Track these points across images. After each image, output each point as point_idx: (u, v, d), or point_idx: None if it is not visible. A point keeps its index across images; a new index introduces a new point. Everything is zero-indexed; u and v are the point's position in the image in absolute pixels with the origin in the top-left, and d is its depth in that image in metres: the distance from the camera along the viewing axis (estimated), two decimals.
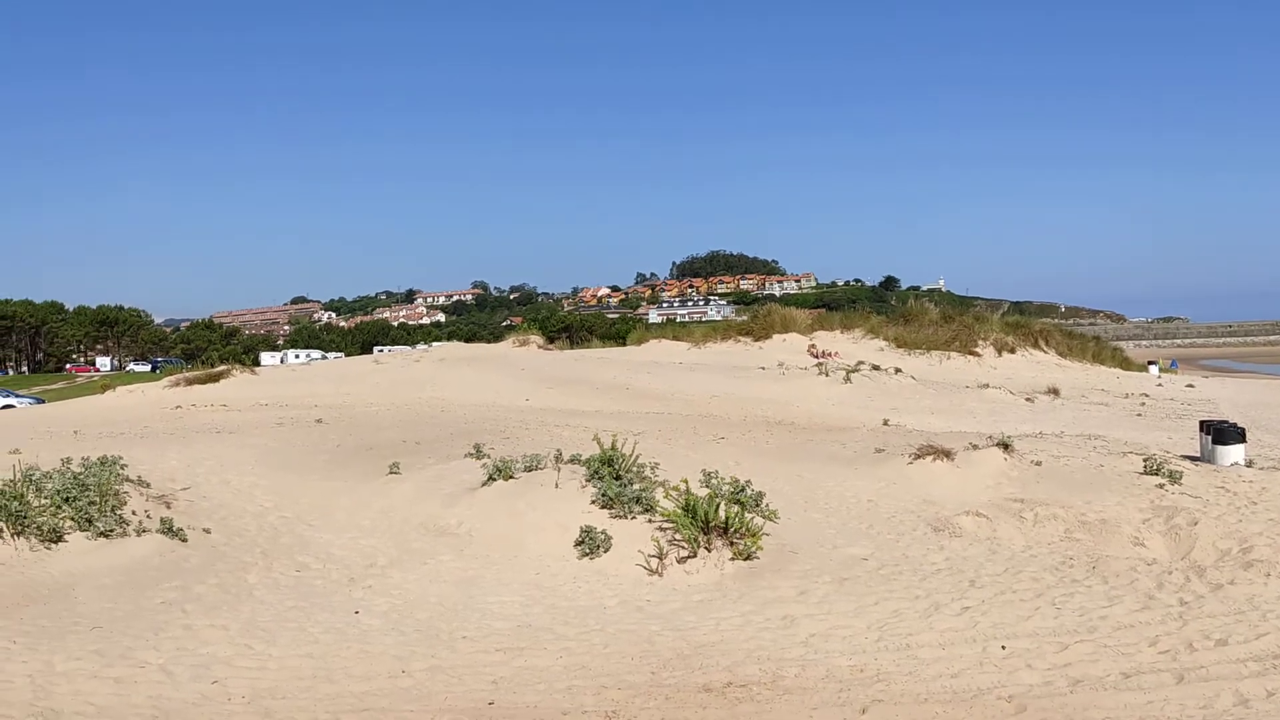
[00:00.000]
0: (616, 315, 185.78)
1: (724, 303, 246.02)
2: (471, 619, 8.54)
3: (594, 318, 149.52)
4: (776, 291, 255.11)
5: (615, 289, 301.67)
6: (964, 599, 8.79)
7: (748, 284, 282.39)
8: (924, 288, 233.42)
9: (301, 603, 8.87)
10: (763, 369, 35.71)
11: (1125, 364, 51.25)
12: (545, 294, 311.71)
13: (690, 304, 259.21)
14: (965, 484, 13.82)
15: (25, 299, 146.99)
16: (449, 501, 12.05)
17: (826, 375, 32.61)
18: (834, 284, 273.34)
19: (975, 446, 15.36)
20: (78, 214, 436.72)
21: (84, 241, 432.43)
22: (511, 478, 12.14)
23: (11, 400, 46.73)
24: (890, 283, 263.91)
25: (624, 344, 56.23)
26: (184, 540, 10.27)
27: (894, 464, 15.06)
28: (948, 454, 14.69)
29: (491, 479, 12.17)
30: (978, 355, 44.31)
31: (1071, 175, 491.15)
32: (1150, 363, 55.14)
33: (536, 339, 46.92)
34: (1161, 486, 13.25)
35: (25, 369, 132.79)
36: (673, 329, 62.22)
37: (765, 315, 50.33)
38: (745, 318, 55.67)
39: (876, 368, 34.91)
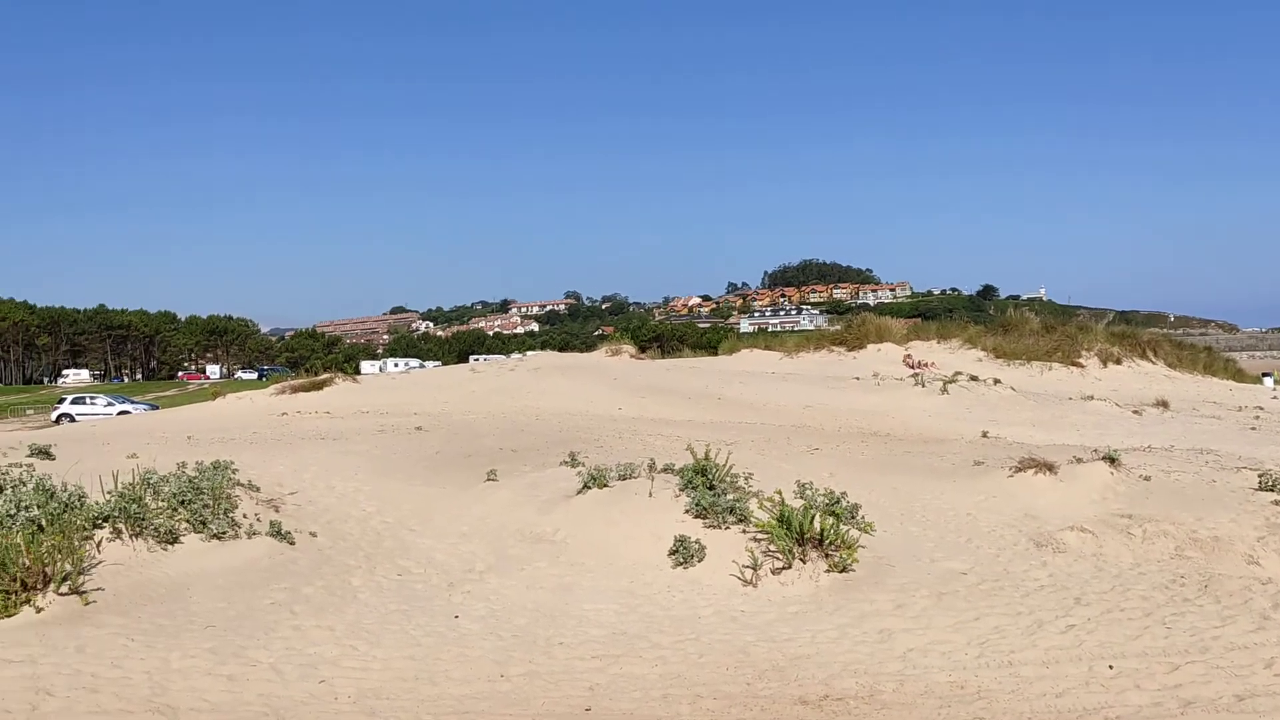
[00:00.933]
0: (708, 325, 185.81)
1: (817, 312, 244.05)
2: (568, 625, 8.65)
3: (685, 327, 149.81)
4: (871, 300, 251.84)
5: (706, 298, 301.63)
6: (1069, 616, 8.58)
7: (841, 293, 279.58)
8: (1024, 297, 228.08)
9: (403, 606, 9.11)
10: (857, 379, 35.30)
11: (1238, 376, 49.17)
12: (636, 303, 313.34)
13: (782, 313, 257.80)
14: (1069, 498, 13.46)
15: (140, 309, 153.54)
16: (545, 509, 12.22)
17: (923, 386, 32.06)
18: (929, 293, 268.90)
19: (1079, 460, 14.95)
20: (189, 225, 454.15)
21: (195, 253, 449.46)
22: (606, 486, 12.26)
23: (128, 407, 48.75)
24: (988, 291, 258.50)
25: (715, 353, 56.17)
26: (292, 543, 10.63)
27: (994, 477, 14.75)
28: (1050, 467, 14.32)
29: (586, 487, 12.31)
30: (1081, 366, 43.02)
31: (1181, 181, 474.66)
32: (1265, 375, 52.91)
33: (629, 348, 47.17)
34: (1278, 503, 12.73)
35: (140, 376, 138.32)
36: (765, 338, 62.04)
37: (859, 324, 49.67)
38: (839, 327, 55.17)
39: (974, 378, 34.19)
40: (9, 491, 9.55)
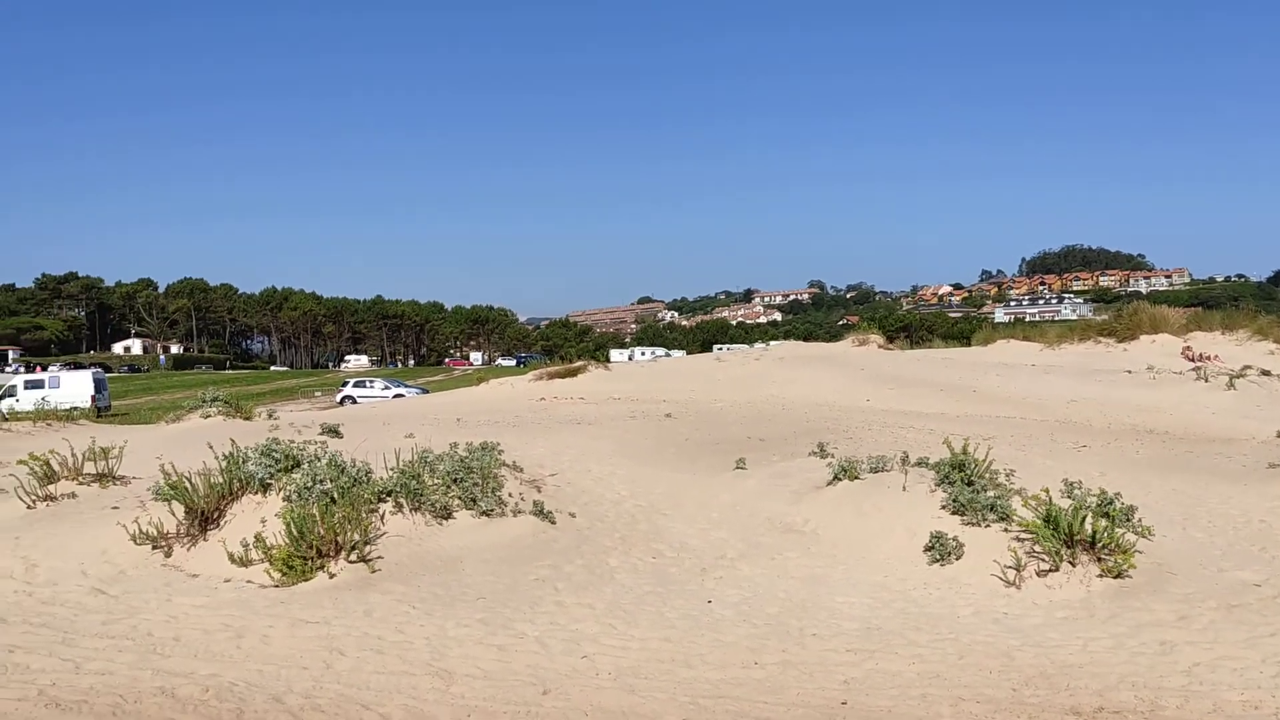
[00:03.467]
0: (959, 314, 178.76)
1: (1080, 301, 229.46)
2: (820, 617, 8.57)
3: (935, 317, 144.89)
4: (1143, 288, 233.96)
5: (958, 287, 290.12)
6: None
7: (1108, 280, 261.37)
8: None
9: (658, 588, 9.32)
10: (1128, 373, 32.89)
11: None
12: (883, 292, 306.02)
13: (1041, 302, 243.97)
14: None
15: (412, 300, 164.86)
16: (794, 499, 12.16)
17: (1205, 380, 29.46)
18: (1211, 280, 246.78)
19: None
20: (456, 223, 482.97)
21: (460, 247, 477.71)
22: (857, 478, 12.05)
23: (402, 390, 52.42)
24: None
25: (968, 344, 53.98)
26: (553, 523, 11.11)
27: None
28: None
29: (837, 478, 12.14)
30: None
31: None
32: None
33: (876, 338, 46.12)
34: None
35: (411, 362, 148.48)
36: (1023, 329, 58.91)
37: (1131, 314, 46.21)
38: (1106, 317, 51.56)
39: (1266, 373, 31.03)
40: (306, 466, 10.51)
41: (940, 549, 9.90)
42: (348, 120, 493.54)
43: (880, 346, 44.20)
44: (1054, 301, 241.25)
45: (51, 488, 12.07)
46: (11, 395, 44.50)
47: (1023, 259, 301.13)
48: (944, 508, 10.70)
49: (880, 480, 11.85)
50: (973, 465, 11.36)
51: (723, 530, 11.48)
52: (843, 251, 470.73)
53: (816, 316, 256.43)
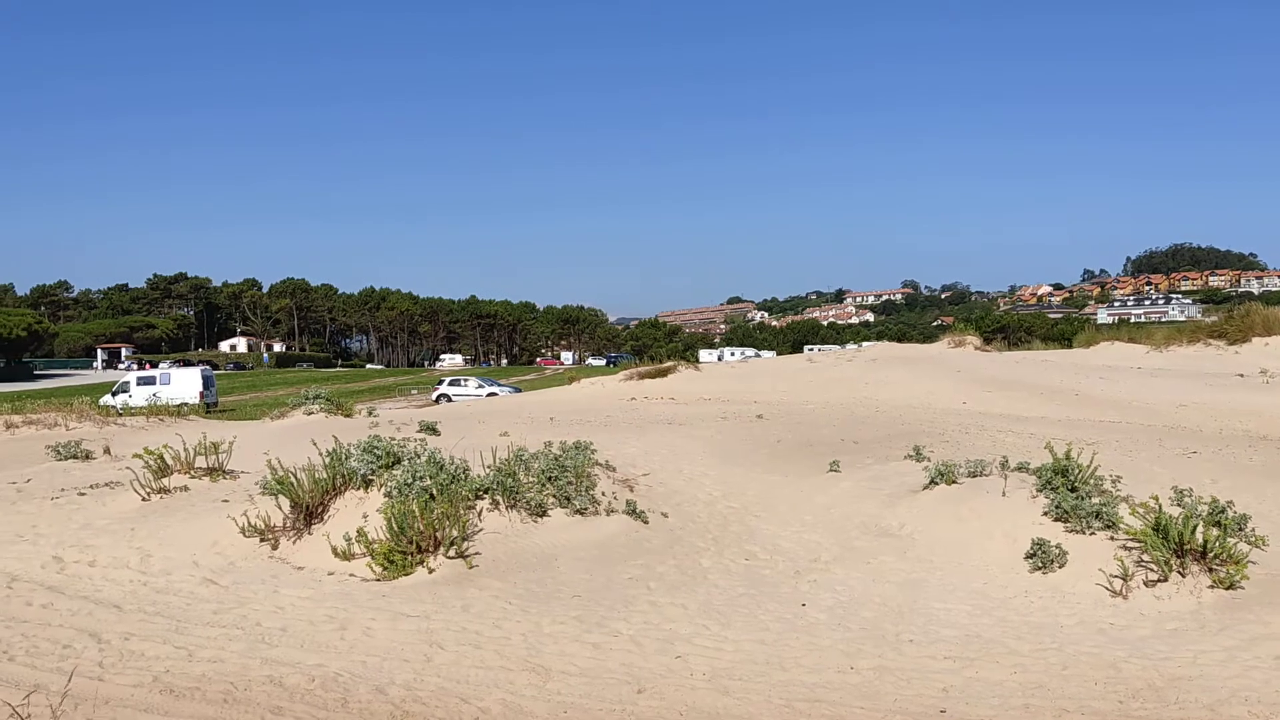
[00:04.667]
0: (1059, 315, 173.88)
1: (1188, 301, 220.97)
2: (916, 623, 8.44)
3: (1034, 318, 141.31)
4: (1255, 289, 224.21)
5: (1058, 287, 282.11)
6: None
7: (1218, 280, 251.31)
8: None
9: (751, 590, 9.29)
10: (1241, 376, 31.62)
11: None
12: (979, 292, 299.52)
13: (1147, 303, 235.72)
14: None
15: (504, 300, 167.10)
16: (889, 502, 12.00)
17: None
18: None
19: None
20: (546, 224, 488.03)
21: (552, 248, 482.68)
22: (954, 482, 11.83)
23: (495, 389, 53.21)
24: None
25: (1069, 346, 52.59)
26: (645, 522, 11.16)
27: None
28: None
29: (934, 482, 11.94)
30: None
31: None
32: None
33: (973, 339, 45.18)
34: None
35: (504, 361, 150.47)
36: (1127, 330, 57.08)
37: (1242, 315, 44.34)
38: (1216, 318, 49.59)
39: None
40: (406, 463, 10.74)
41: (1043, 556, 9.66)
42: (443, 124, 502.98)
43: (977, 348, 43.29)
44: (1160, 302, 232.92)
45: (165, 481, 12.56)
46: (125, 391, 46.46)
47: (1127, 258, 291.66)
48: (1046, 514, 10.43)
49: (979, 485, 11.62)
50: (1077, 471, 11.05)
51: (816, 533, 11.38)
52: (937, 251, 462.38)
53: (910, 317, 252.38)
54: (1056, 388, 29.53)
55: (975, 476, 11.91)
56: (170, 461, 12.92)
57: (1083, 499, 10.36)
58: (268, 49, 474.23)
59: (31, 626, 7.93)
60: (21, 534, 11.04)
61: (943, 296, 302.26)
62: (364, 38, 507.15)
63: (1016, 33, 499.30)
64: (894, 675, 7.15)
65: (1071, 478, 10.93)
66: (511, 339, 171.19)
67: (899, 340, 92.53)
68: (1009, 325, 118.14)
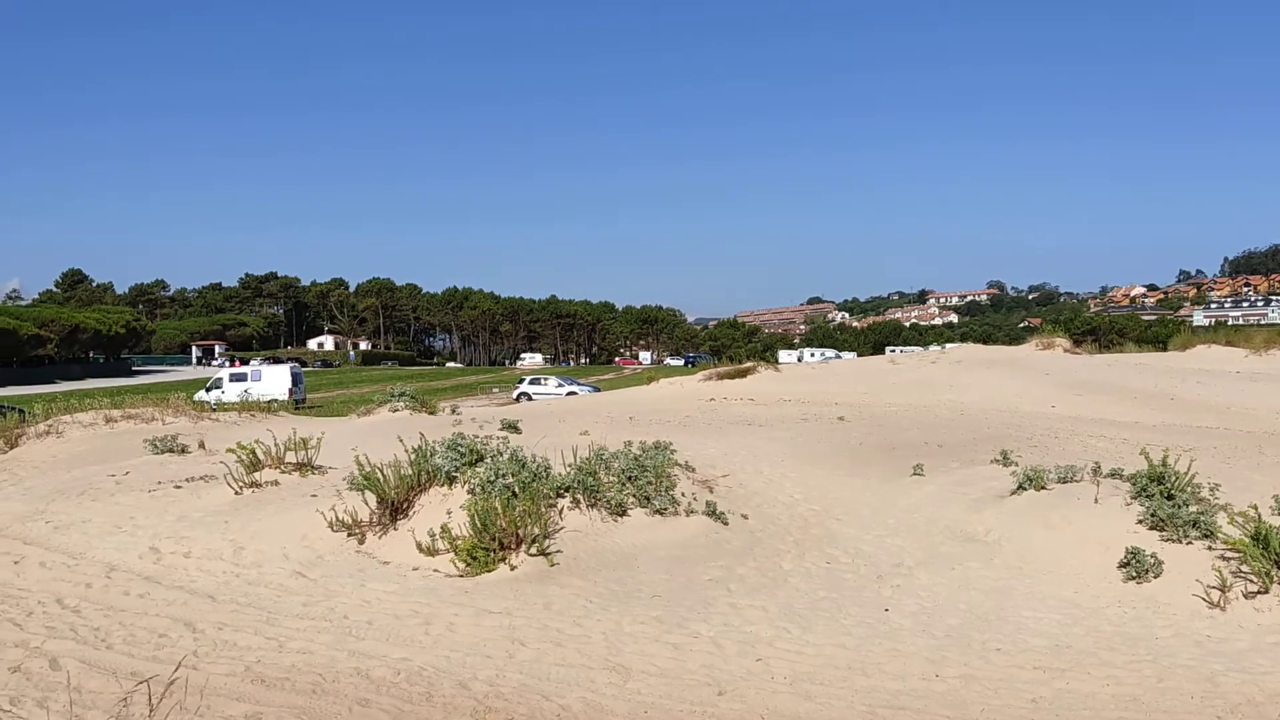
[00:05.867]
0: (1153, 317, 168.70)
1: None
2: (1004, 631, 8.25)
3: (1126, 319, 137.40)
4: None
5: (1152, 288, 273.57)
6: None
7: None
8: None
9: (832, 594, 9.18)
10: None
11: None
12: (1068, 293, 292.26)
13: (1246, 305, 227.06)
14: None
15: (584, 299, 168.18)
16: (975, 507, 11.75)
17: None
18: None
19: None
20: (626, 220, 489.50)
21: (631, 248, 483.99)
22: (1044, 488, 11.54)
23: (575, 388, 53.56)
24: None
25: (1163, 348, 51.04)
26: (725, 523, 11.11)
27: None
28: None
29: (1022, 488, 11.67)
30: None
31: None
32: None
33: (1062, 341, 44.02)
34: None
35: (583, 361, 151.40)
36: (1225, 333, 55.13)
37: None
38: None
39: None
40: (489, 461, 10.87)
41: (1137, 566, 9.37)
42: (523, 126, 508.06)
43: (1066, 350, 42.19)
44: (1260, 304, 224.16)
45: (256, 475, 12.90)
46: (218, 388, 47.88)
47: (1225, 258, 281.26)
48: (1140, 522, 10.12)
49: (1069, 491, 11.32)
50: (1173, 478, 10.71)
51: (899, 537, 11.21)
52: (1024, 250, 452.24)
53: (995, 318, 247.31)
54: (1150, 392, 28.65)
55: (1066, 482, 11.60)
56: (261, 456, 13.26)
57: (1179, 507, 10.02)
58: (361, 52, 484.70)
59: (129, 615, 8.20)
60: (120, 525, 11.44)
61: (1030, 297, 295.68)
62: (455, 43, 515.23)
63: (1109, 34, 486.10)
64: (981, 684, 7.00)
65: (1167, 485, 10.59)
66: (590, 339, 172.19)
67: (984, 342, 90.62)
68: (1100, 327, 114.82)
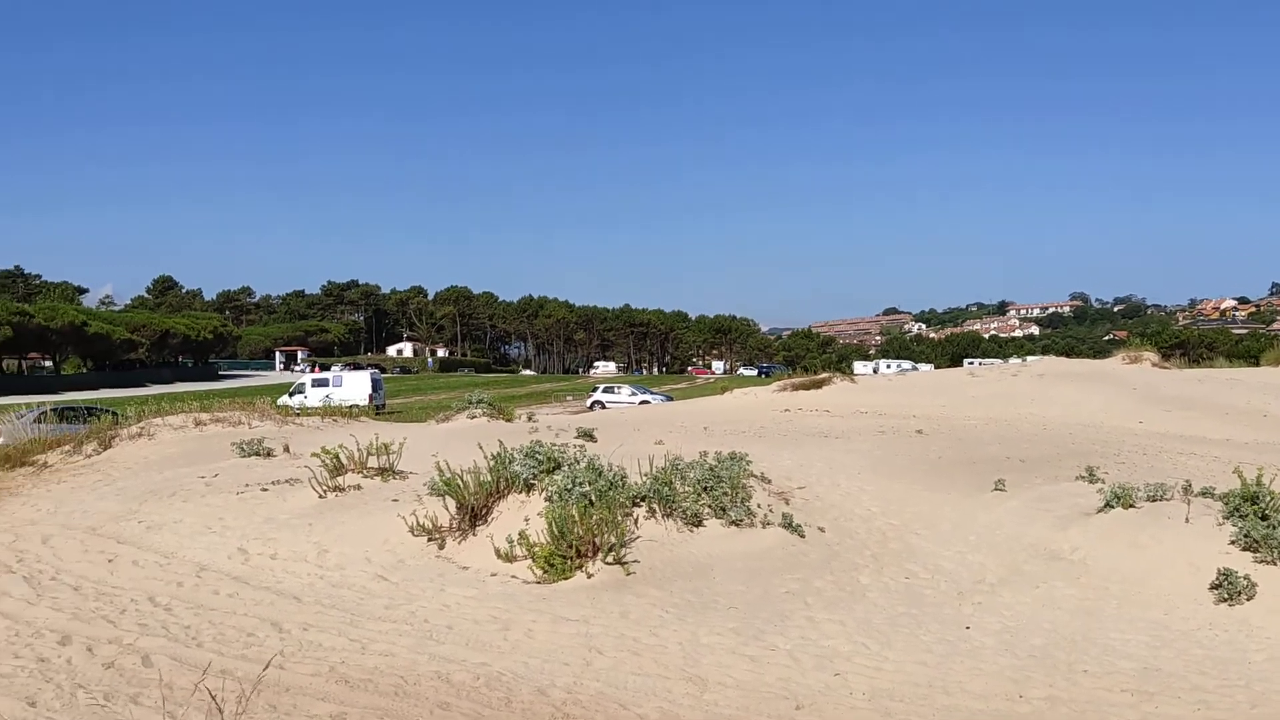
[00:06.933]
0: (1244, 331, 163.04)
1: None
2: (1091, 652, 8.05)
3: (1216, 333, 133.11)
4: None
5: (1243, 300, 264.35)
6: None
7: None
8: None
9: (912, 610, 9.05)
10: None
11: None
12: (1155, 306, 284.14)
13: None
14: None
15: (657, 309, 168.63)
16: (1060, 525, 11.50)
17: None
18: None
19: None
20: (697, 232, 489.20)
21: (705, 256, 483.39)
22: (1132, 506, 11.24)
23: (648, 397, 53.75)
24: None
25: (1256, 364, 49.34)
26: (802, 536, 11.03)
27: None
28: None
29: (1109, 505, 11.38)
30: None
31: None
32: None
33: (1150, 355, 42.75)
34: None
35: (656, 370, 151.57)
36: None
37: None
38: None
39: None
40: (566, 469, 10.95)
41: (1229, 588, 9.06)
42: (601, 133, 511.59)
43: (1154, 364, 40.97)
44: None
45: (340, 479, 13.19)
46: (301, 392, 49.08)
47: None
48: (1233, 543, 9.79)
49: (1159, 510, 11.00)
50: (1268, 498, 10.34)
51: (981, 554, 11.01)
52: (1109, 261, 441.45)
53: (1079, 331, 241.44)
54: (1242, 408, 27.72)
55: (1155, 501, 11.28)
56: (344, 461, 13.55)
57: (1274, 527, 9.68)
58: (449, 62, 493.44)
59: (219, 614, 8.45)
60: (210, 526, 11.79)
61: (1115, 309, 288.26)
62: (534, 53, 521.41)
63: (1200, 43, 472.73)
64: (1067, 706, 6.85)
65: (1262, 505, 10.23)
66: (663, 347, 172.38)
67: (1067, 355, 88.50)
68: (1189, 341, 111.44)
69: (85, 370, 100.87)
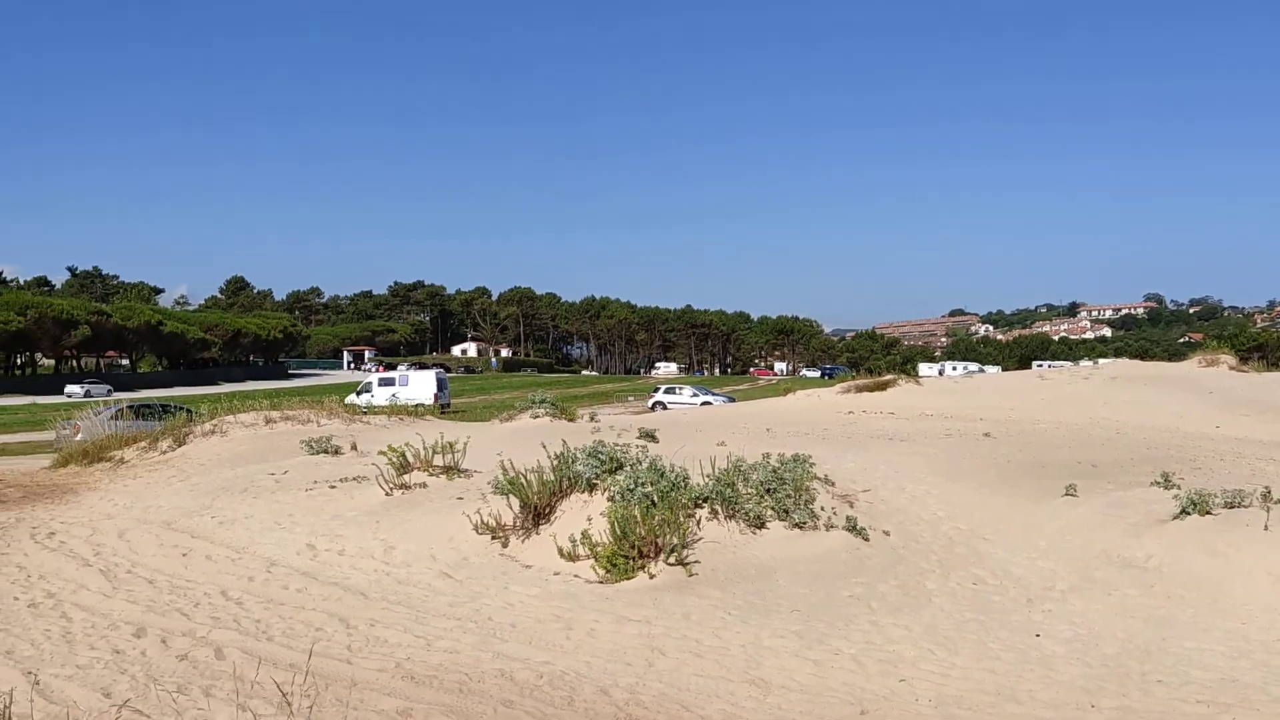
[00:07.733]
0: None
1: None
2: (1165, 662, 7.84)
3: None
4: None
5: None
6: None
7: None
8: None
9: (980, 616, 8.90)
10: None
11: None
12: (1233, 307, 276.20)
13: None
14: None
15: (719, 309, 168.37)
16: (1133, 531, 11.21)
17: None
18: None
19: None
20: (760, 232, 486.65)
21: (768, 257, 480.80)
22: (1209, 513, 10.93)
23: (709, 398, 53.57)
24: None
25: None
26: (866, 539, 10.90)
27: None
28: None
29: (1185, 512, 11.07)
30: None
31: None
32: None
33: (1227, 358, 41.54)
34: None
35: (717, 371, 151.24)
36: None
37: None
38: None
39: None
40: (628, 469, 10.96)
41: None
42: (661, 134, 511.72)
43: (1232, 368, 39.80)
44: None
45: (406, 477, 13.36)
46: (368, 391, 49.79)
47: None
48: None
49: (1236, 517, 10.69)
50: None
51: (1051, 560, 10.79)
52: (1184, 262, 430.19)
53: (1153, 333, 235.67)
54: None
55: (1233, 507, 10.96)
56: (410, 459, 13.72)
57: None
58: (510, 64, 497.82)
59: (288, 609, 8.61)
60: (280, 522, 12.03)
61: (1190, 311, 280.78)
62: (595, 52, 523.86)
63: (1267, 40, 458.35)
64: (1140, 717, 6.67)
65: None
66: (725, 348, 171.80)
67: (1140, 358, 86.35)
68: (1268, 344, 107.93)
69: (160, 368, 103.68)
